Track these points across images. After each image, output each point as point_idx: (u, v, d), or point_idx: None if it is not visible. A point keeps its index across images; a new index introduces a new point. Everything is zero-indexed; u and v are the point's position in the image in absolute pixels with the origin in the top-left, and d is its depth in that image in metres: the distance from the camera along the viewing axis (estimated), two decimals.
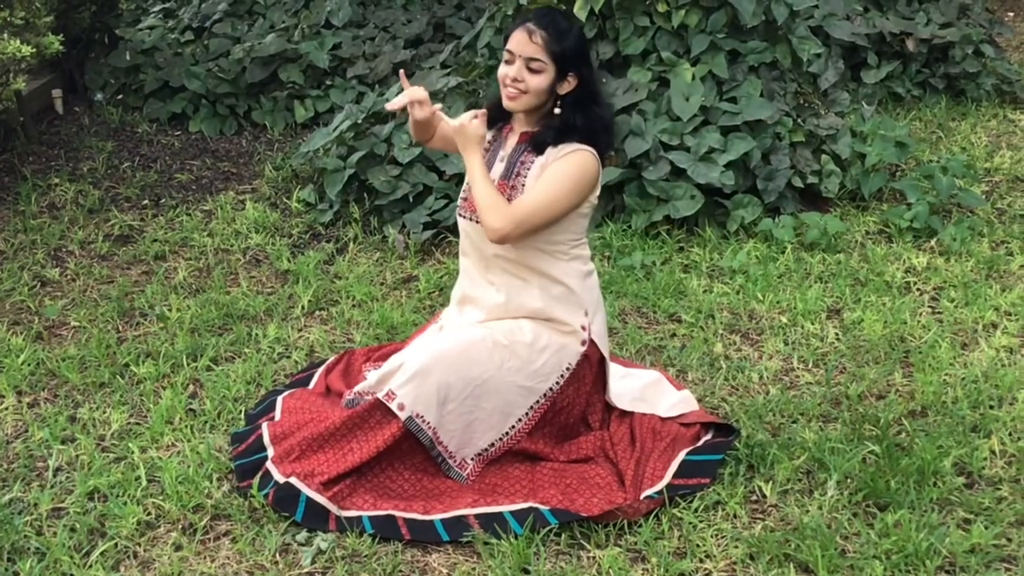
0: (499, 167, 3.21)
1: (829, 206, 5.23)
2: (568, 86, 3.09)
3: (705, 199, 4.90)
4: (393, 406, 3.02)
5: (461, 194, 3.28)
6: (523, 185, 3.12)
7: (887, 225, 4.98)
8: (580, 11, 5.28)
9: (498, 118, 3.26)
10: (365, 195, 5.19)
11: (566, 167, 3.05)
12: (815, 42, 5.74)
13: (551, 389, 3.15)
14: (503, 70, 3.09)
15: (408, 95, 3.15)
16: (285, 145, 6.51)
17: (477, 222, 3.16)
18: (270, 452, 3.16)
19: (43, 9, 5.59)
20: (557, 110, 3.10)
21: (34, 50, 5.15)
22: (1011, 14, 9.70)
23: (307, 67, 6.87)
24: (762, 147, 5.04)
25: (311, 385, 3.60)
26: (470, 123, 3.10)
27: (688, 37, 5.27)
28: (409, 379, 3.04)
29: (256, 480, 3.06)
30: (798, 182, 5.09)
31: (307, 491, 2.96)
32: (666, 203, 4.89)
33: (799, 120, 5.31)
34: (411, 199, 5.06)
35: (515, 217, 3.02)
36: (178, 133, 6.67)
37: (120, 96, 6.95)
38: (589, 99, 3.12)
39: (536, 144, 3.13)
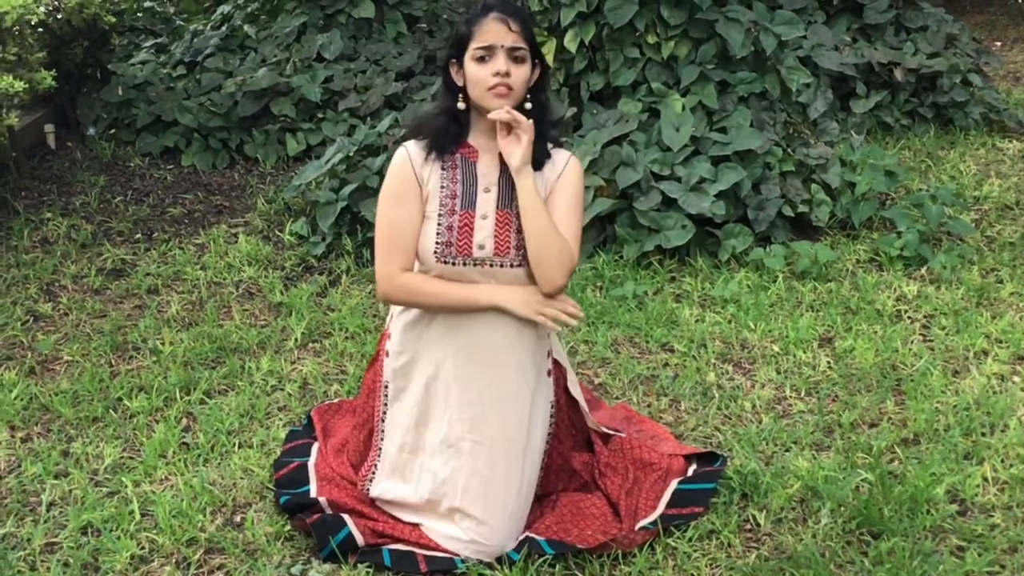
0: (487, 199, 2.87)
1: (819, 235, 5.25)
2: (534, 76, 2.85)
3: (696, 229, 4.92)
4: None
5: (439, 237, 2.87)
6: None
7: (877, 254, 5.00)
8: (571, 43, 5.33)
9: (442, 147, 2.88)
10: (358, 227, 5.20)
11: (579, 187, 2.88)
12: (804, 72, 5.79)
13: (550, 436, 3.10)
14: (481, 70, 2.76)
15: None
16: (277, 178, 6.53)
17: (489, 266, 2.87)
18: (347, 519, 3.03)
19: (36, 45, 5.62)
20: (528, 105, 2.82)
21: (26, 85, 5.17)
22: (998, 43, 9.78)
23: (299, 100, 6.90)
24: (752, 177, 5.07)
25: (312, 456, 3.36)
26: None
27: (678, 68, 5.31)
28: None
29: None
30: (788, 211, 5.11)
31: (353, 530, 2.94)
32: (657, 233, 4.91)
33: (789, 150, 5.34)
34: None
35: (574, 262, 2.83)
36: (170, 167, 6.68)
37: (112, 131, 6.96)
38: (545, 87, 2.91)
39: (534, 161, 2.84)
